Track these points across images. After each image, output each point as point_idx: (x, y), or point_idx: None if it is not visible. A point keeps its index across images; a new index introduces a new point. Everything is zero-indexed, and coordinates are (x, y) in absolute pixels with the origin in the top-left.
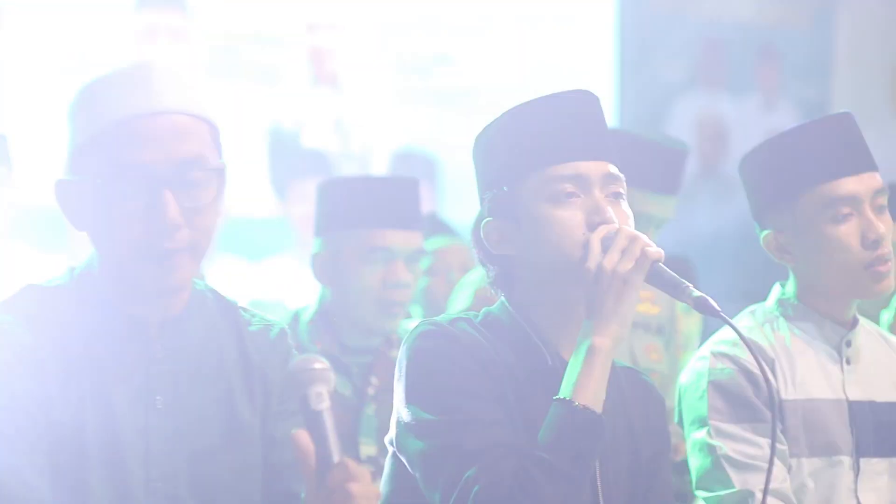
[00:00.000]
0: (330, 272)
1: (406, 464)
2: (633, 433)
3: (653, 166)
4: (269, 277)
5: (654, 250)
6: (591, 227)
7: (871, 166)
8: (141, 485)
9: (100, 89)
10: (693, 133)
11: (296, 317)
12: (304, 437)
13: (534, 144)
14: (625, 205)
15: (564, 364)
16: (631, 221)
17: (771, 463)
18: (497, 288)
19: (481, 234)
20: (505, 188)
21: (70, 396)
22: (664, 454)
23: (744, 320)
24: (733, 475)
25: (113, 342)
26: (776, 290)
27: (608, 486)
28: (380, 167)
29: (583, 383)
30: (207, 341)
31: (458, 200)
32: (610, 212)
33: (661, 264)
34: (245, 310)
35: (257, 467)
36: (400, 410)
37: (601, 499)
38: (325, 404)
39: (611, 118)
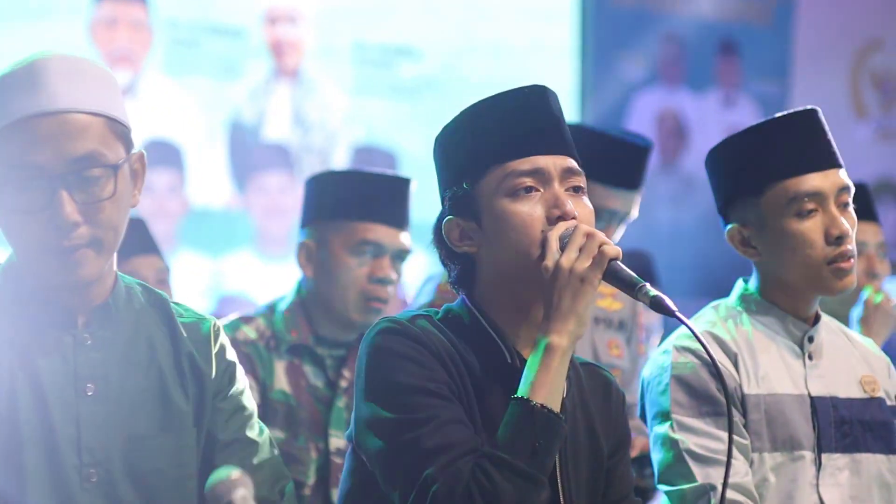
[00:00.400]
0: (316, 262)
1: (365, 460)
2: (593, 429)
3: (617, 162)
4: (231, 271)
5: (612, 248)
6: (552, 220)
7: (836, 163)
8: (75, 470)
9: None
10: (653, 128)
11: (272, 307)
12: None
13: (492, 140)
14: (585, 199)
15: (524, 362)
16: (592, 215)
17: (729, 457)
18: (458, 286)
19: (443, 232)
20: (465, 185)
21: (2, 384)
22: (624, 450)
23: (707, 315)
24: (695, 469)
25: (42, 330)
26: (739, 286)
27: (568, 483)
28: (340, 160)
29: (540, 382)
30: (137, 330)
31: (419, 194)
32: (570, 205)
33: (618, 262)
34: (177, 304)
35: (192, 453)
36: (359, 407)
37: (561, 495)
38: None
39: (572, 114)
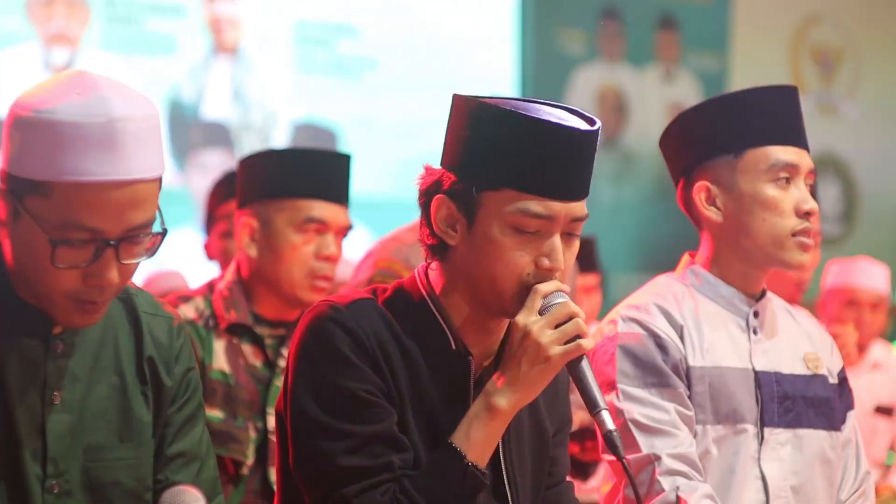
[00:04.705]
0: (260, 242)
1: (288, 439)
2: (537, 410)
3: None
4: (170, 249)
5: (588, 342)
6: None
7: (808, 146)
8: (37, 482)
9: (64, 132)
10: (593, 105)
11: (210, 286)
12: None
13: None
14: None
15: (468, 352)
16: None
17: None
18: None
19: (430, 212)
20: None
21: None
22: (564, 432)
23: (653, 287)
24: (640, 439)
25: (13, 334)
26: (685, 260)
27: (512, 466)
28: (280, 138)
29: (477, 439)
30: (105, 333)
31: (357, 171)
32: None
33: (585, 362)
34: (144, 295)
35: (150, 465)
36: (287, 391)
37: (505, 478)
38: None
39: (511, 90)
